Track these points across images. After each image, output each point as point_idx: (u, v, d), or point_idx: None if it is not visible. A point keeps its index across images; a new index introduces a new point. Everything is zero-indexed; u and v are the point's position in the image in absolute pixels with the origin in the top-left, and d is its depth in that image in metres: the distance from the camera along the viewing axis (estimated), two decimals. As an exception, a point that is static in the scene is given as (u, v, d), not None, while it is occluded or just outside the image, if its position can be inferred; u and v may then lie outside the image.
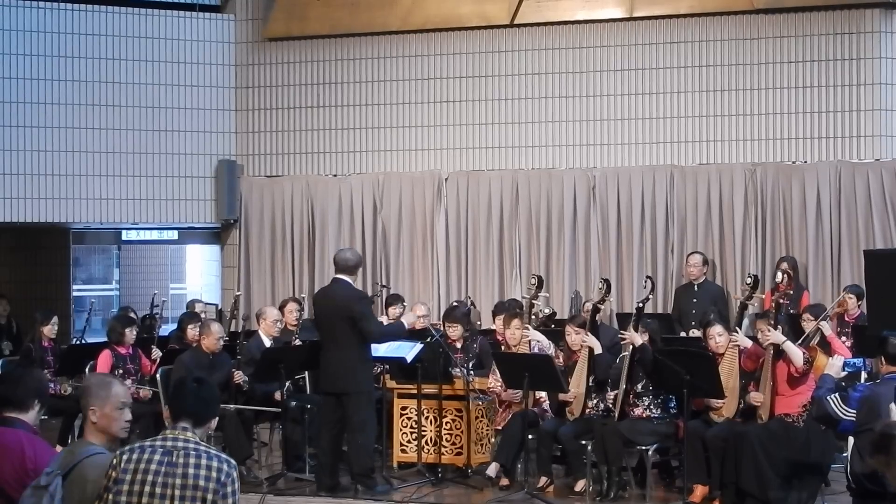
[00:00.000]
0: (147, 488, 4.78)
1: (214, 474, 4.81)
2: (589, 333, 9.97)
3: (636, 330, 9.68)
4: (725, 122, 13.63)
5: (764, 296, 11.32)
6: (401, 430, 10.77)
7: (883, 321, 8.60)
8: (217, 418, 5.13)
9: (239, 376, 10.83)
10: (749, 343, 9.49)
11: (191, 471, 4.80)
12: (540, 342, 10.43)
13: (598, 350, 9.92)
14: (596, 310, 10.34)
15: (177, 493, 4.77)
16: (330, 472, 9.99)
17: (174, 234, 16.90)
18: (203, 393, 5.00)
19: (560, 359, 10.19)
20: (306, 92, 15.11)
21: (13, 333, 14.63)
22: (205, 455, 4.85)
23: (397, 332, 10.28)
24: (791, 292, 12.13)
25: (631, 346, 9.66)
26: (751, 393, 9.34)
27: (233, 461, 4.93)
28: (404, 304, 12.63)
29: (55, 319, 12.53)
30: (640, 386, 9.69)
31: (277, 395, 10.62)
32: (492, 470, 10.12)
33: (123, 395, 5.27)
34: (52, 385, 11.06)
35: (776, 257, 13.15)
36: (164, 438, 4.90)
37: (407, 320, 10.41)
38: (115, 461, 4.85)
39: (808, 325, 10.81)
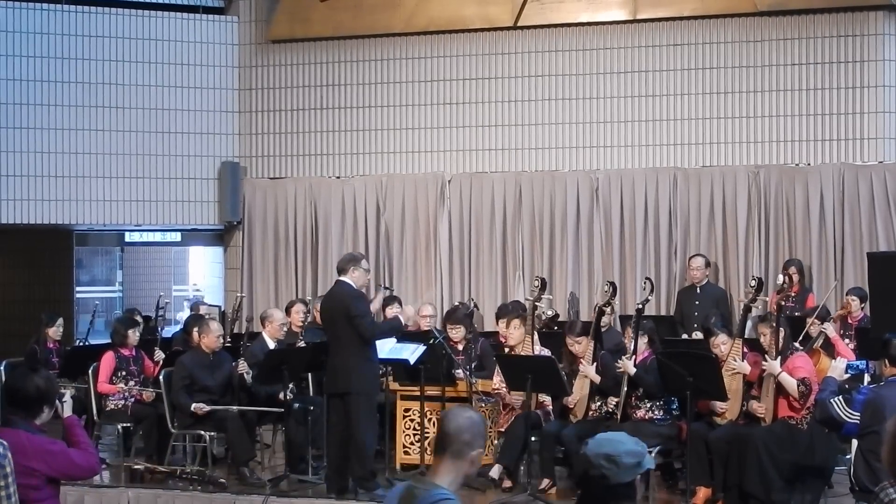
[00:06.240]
0: None
1: None
2: (583, 363, 9.89)
3: (636, 333, 9.66)
4: (728, 124, 13.62)
5: (768, 298, 11.30)
6: (403, 431, 10.76)
7: (886, 323, 8.61)
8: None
9: (243, 366, 10.79)
10: (748, 369, 9.39)
11: None
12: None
13: (597, 381, 9.86)
14: (601, 313, 10.32)
15: None
16: (338, 475, 9.97)
17: (177, 236, 16.87)
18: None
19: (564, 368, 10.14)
20: (309, 94, 15.10)
21: None
22: None
23: (391, 328, 10.26)
24: (793, 294, 12.15)
25: (632, 349, 9.64)
26: (752, 403, 9.30)
27: None
28: (401, 304, 12.61)
29: (60, 321, 12.56)
30: (641, 389, 9.68)
31: (280, 397, 10.61)
32: (495, 472, 10.10)
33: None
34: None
35: (779, 260, 13.14)
36: None
37: (403, 316, 10.37)
38: None
39: (814, 328, 10.79)
